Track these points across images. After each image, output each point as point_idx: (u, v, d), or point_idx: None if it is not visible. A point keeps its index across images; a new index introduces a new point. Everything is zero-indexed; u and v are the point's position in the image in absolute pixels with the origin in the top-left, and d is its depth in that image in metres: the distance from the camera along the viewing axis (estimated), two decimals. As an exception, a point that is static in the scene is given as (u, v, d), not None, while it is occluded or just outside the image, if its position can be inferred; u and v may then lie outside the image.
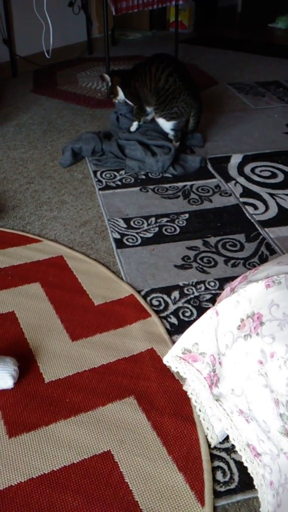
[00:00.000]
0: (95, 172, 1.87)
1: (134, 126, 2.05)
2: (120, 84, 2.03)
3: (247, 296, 0.74)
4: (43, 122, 2.38)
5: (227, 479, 0.85)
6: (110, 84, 2.06)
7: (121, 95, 2.06)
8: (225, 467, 0.87)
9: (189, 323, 1.14)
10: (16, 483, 0.84)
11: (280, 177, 1.84)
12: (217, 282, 1.30)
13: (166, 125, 1.94)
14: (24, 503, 0.81)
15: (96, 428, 0.93)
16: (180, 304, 1.23)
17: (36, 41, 3.03)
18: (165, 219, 1.58)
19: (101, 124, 2.33)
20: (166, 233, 1.51)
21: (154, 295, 1.26)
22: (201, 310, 1.20)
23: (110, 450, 0.89)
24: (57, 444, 0.90)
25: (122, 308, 1.21)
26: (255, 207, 1.65)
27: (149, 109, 2.00)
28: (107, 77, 2.07)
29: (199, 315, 1.18)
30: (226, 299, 0.76)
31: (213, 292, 1.27)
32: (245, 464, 0.78)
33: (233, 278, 1.29)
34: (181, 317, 1.19)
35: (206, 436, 0.90)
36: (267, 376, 0.67)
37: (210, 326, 0.78)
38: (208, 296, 1.25)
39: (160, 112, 1.92)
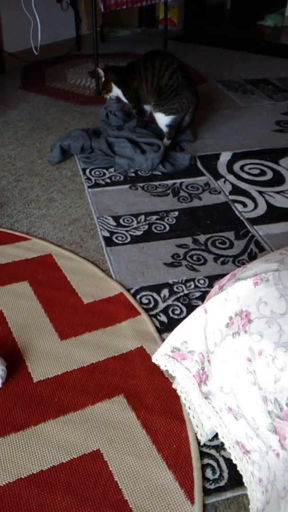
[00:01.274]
0: (84, 170, 1.86)
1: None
2: (116, 83, 2.02)
3: (235, 294, 0.74)
4: (31, 119, 2.36)
5: (216, 476, 0.85)
6: (103, 79, 2.05)
7: (114, 92, 2.05)
8: (215, 464, 0.87)
9: (179, 321, 1.14)
10: (4, 484, 0.83)
11: (269, 175, 1.85)
12: (206, 280, 1.30)
13: (164, 119, 1.94)
14: (13, 503, 0.80)
15: (85, 427, 0.92)
16: (169, 302, 1.23)
17: (24, 37, 3.00)
18: (154, 217, 1.58)
19: (90, 121, 2.32)
20: (155, 231, 1.51)
21: (143, 293, 1.26)
22: (191, 308, 1.20)
23: (99, 449, 0.89)
24: (46, 444, 0.89)
25: (112, 307, 1.21)
26: (244, 205, 1.66)
27: (147, 107, 1.99)
28: (100, 72, 2.05)
29: (188, 313, 1.18)
30: (215, 297, 0.76)
31: (203, 289, 1.27)
32: (234, 461, 0.78)
33: (222, 276, 1.29)
34: (171, 315, 1.19)
35: (196, 434, 0.90)
36: (255, 374, 0.68)
37: (198, 324, 0.78)
38: (197, 294, 1.25)
39: (160, 107, 1.92)
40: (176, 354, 0.83)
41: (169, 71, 1.88)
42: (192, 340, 0.80)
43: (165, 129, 1.96)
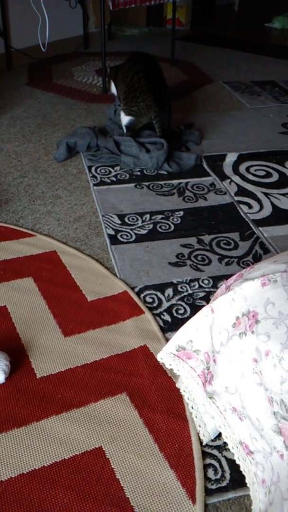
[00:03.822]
0: (89, 168, 1.86)
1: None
2: (113, 79, 2.03)
3: (242, 294, 0.74)
4: (37, 115, 2.36)
5: (218, 476, 0.85)
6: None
7: (113, 90, 2.06)
8: (217, 464, 0.87)
9: (183, 320, 1.14)
10: (6, 479, 0.83)
11: (275, 177, 1.84)
12: (211, 280, 1.30)
13: (123, 119, 1.93)
14: (14, 499, 0.80)
15: (87, 424, 0.92)
16: (173, 301, 1.23)
17: (32, 34, 3.00)
18: (159, 216, 1.58)
19: (96, 119, 2.32)
20: (160, 230, 1.51)
21: (147, 292, 1.26)
22: (195, 308, 1.20)
23: (101, 446, 0.89)
24: (48, 440, 0.89)
25: (116, 305, 1.20)
26: (250, 206, 1.66)
27: None
28: (109, 70, 2.07)
29: (192, 313, 1.18)
30: (222, 297, 0.76)
31: (207, 290, 1.27)
32: (238, 462, 0.78)
33: (227, 277, 1.29)
34: (175, 314, 1.19)
35: (198, 433, 0.90)
36: (262, 374, 0.67)
37: (205, 323, 0.78)
38: (201, 294, 1.25)
39: (123, 106, 1.93)
40: (181, 353, 0.83)
41: (132, 72, 1.87)
42: (198, 340, 0.80)
43: (124, 129, 1.95)
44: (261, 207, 1.65)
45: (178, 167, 1.85)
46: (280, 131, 2.24)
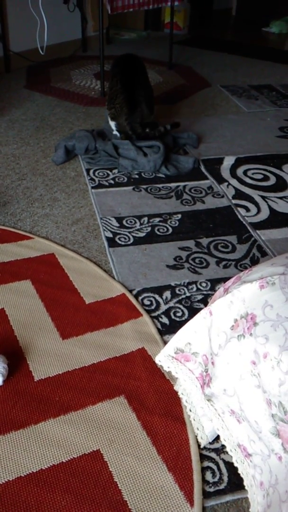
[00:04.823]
0: (88, 170, 1.87)
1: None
2: None
3: (241, 296, 0.74)
4: (36, 118, 2.36)
5: (216, 479, 0.85)
6: None
7: None
8: (215, 467, 0.87)
9: (181, 323, 1.14)
10: (4, 482, 0.83)
11: (272, 180, 1.85)
12: (208, 283, 1.30)
13: (111, 124, 1.99)
14: (12, 502, 0.80)
15: (85, 427, 0.92)
16: (171, 304, 1.23)
17: (30, 37, 3.01)
18: (157, 219, 1.58)
19: (95, 122, 2.32)
20: (158, 233, 1.51)
21: (145, 294, 1.26)
22: (193, 311, 1.20)
23: (99, 449, 0.89)
24: (46, 443, 0.89)
25: (114, 307, 1.20)
26: (247, 209, 1.66)
27: None
28: None
29: (190, 316, 1.18)
30: (220, 299, 0.76)
31: (205, 292, 1.27)
32: (236, 464, 0.78)
33: (224, 279, 1.30)
34: (173, 317, 1.19)
35: (196, 436, 0.90)
36: (260, 377, 0.68)
37: (203, 326, 0.78)
38: (199, 297, 1.25)
39: (106, 110, 1.98)
40: (179, 356, 0.83)
41: (112, 73, 1.92)
42: (196, 342, 0.80)
43: (116, 133, 1.99)
44: (259, 210, 1.66)
45: (176, 170, 1.86)
46: (277, 135, 2.25)
